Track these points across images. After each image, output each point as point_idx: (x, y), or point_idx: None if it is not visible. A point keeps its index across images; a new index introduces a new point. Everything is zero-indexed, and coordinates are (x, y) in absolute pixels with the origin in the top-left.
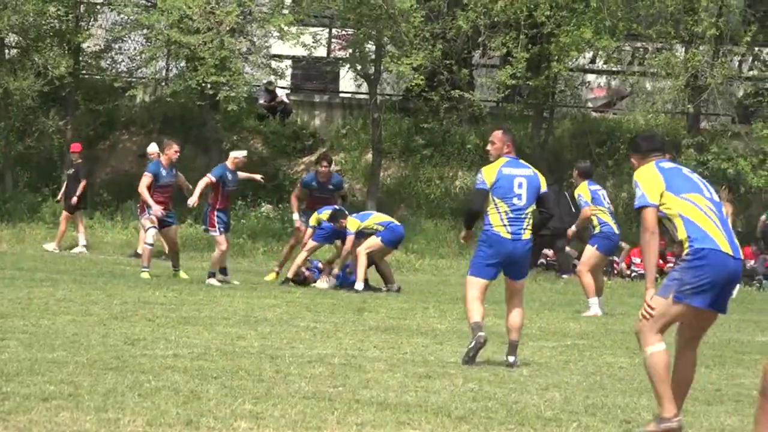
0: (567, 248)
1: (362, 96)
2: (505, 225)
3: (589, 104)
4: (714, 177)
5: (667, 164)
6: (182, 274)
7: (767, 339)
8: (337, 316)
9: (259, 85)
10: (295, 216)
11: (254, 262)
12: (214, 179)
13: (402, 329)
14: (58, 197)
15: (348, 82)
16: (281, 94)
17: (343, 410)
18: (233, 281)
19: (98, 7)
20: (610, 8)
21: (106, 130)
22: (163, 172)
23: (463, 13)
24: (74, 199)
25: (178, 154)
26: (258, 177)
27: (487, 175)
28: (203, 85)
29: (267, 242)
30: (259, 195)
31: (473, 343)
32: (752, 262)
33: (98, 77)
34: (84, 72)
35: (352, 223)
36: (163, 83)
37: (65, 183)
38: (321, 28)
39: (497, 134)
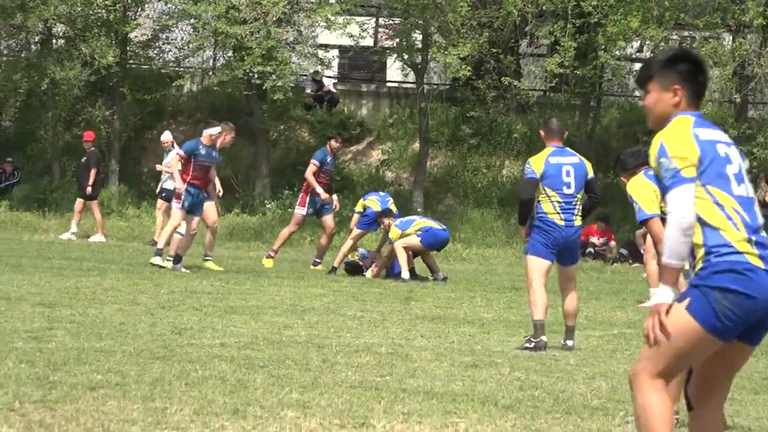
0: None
1: (409, 85)
2: (558, 213)
3: (637, 93)
4: (762, 166)
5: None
6: (212, 265)
7: None
8: (384, 305)
9: (306, 75)
10: (320, 190)
11: (301, 252)
12: (183, 153)
13: (449, 318)
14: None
15: (395, 71)
16: (328, 83)
17: (390, 399)
18: (184, 269)
19: None
20: None
21: (153, 119)
22: (203, 151)
23: (511, 1)
24: (88, 189)
25: (228, 142)
26: (218, 190)
27: (536, 165)
28: (250, 74)
29: (314, 231)
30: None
31: (533, 345)
32: None
33: (145, 67)
34: (131, 62)
35: (394, 232)
36: (210, 73)
37: (79, 171)
38: (368, 18)
39: (546, 126)
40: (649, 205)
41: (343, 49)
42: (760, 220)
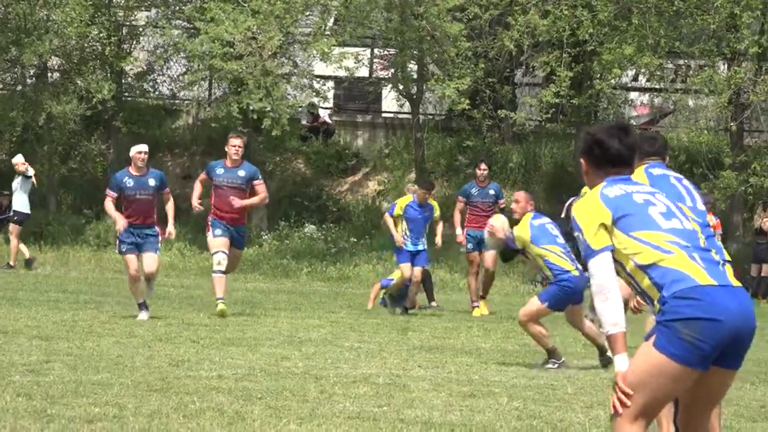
0: None
1: (405, 116)
2: (567, 261)
3: (633, 122)
4: (757, 194)
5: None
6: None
7: None
8: (381, 335)
9: (302, 107)
10: (459, 231)
11: (298, 283)
12: (112, 193)
13: (446, 348)
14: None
15: (390, 101)
16: (324, 114)
17: (388, 430)
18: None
19: (140, 29)
20: (653, 26)
21: (150, 152)
22: (220, 170)
23: (506, 32)
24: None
25: (236, 150)
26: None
27: (522, 233)
28: (245, 110)
29: (311, 262)
30: (303, 216)
31: (557, 365)
32: None
33: (141, 100)
34: (127, 95)
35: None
36: (206, 105)
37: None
38: (363, 48)
39: (521, 194)
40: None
41: (338, 80)
42: (711, 244)
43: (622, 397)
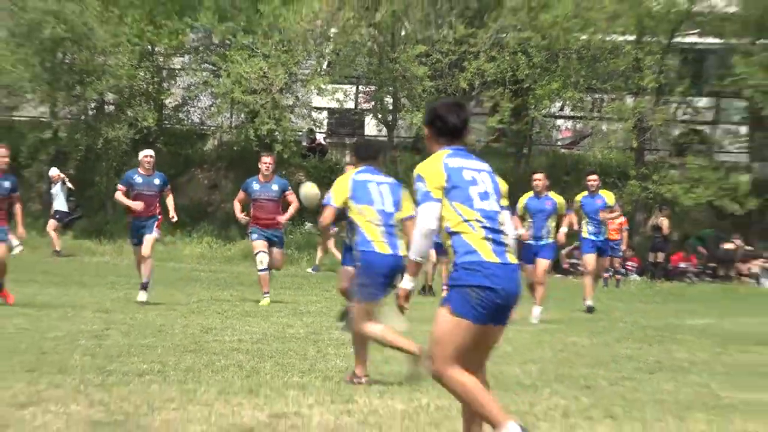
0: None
1: (383, 138)
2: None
3: (559, 143)
4: (655, 200)
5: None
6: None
7: (694, 322)
8: None
9: (301, 132)
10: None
11: (300, 268)
12: (122, 187)
13: (413, 319)
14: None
15: (372, 127)
16: (319, 137)
17: (369, 382)
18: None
19: (176, 71)
20: (575, 68)
21: (184, 168)
22: (256, 186)
23: (461, 73)
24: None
25: (268, 166)
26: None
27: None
28: (259, 134)
29: (309, 253)
30: (303, 216)
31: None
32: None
33: (177, 126)
34: (166, 122)
35: None
36: (228, 131)
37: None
38: (350, 86)
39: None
40: (336, 196)
41: (331, 111)
42: (507, 229)
43: (402, 303)
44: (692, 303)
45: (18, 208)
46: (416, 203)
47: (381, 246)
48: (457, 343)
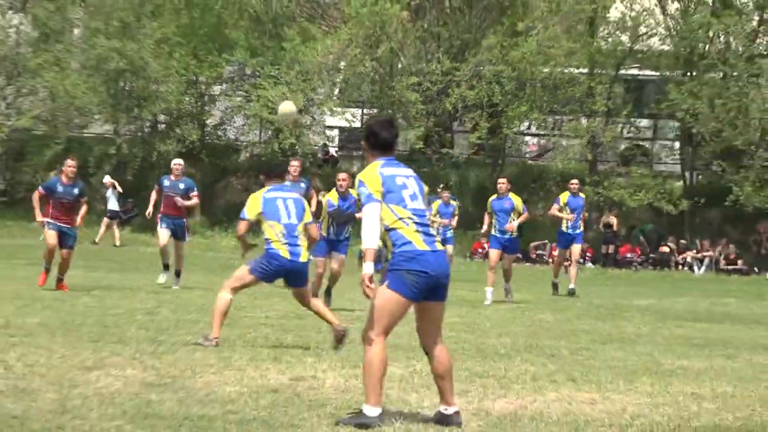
0: None
1: None
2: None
3: (527, 155)
4: (606, 202)
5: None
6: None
7: (639, 303)
8: (358, 291)
9: (317, 146)
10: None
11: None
12: (157, 187)
13: None
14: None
15: None
16: (332, 150)
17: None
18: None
19: (216, 97)
20: (540, 94)
21: (222, 176)
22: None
23: (447, 99)
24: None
25: (296, 169)
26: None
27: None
28: (282, 147)
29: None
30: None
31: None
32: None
33: (217, 141)
34: (207, 138)
35: None
36: (258, 145)
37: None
38: (357, 108)
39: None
40: (249, 211)
41: (341, 129)
42: (435, 225)
43: (367, 289)
44: (637, 287)
45: (83, 209)
46: (361, 204)
47: (284, 252)
48: (391, 313)
